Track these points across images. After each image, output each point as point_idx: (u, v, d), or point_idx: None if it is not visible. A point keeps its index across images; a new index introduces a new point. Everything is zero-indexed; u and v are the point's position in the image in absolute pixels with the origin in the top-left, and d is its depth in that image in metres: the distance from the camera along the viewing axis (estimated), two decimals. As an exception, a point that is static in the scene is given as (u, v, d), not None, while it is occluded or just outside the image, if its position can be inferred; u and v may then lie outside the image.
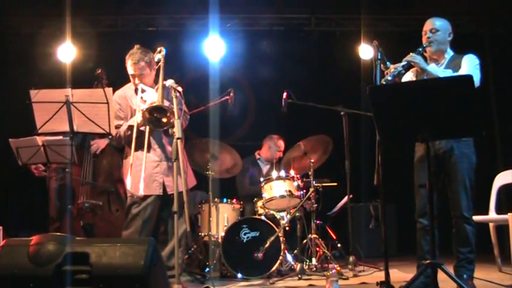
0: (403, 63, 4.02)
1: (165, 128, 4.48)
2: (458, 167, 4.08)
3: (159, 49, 4.72)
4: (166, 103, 4.44)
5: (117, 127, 4.70)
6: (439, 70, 4.09)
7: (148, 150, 4.62)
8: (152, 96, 4.48)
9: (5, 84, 7.35)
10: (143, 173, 4.49)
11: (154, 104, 4.36)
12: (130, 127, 4.59)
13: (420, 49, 4.13)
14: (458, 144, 4.08)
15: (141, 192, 4.53)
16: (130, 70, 4.73)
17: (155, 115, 4.34)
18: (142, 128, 4.56)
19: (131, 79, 4.77)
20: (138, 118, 4.53)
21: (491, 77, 8.12)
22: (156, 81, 4.68)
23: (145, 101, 4.47)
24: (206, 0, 6.99)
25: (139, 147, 4.58)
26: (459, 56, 4.21)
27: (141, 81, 4.65)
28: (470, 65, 4.09)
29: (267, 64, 8.06)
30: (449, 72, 4.04)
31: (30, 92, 4.22)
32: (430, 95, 3.45)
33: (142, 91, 4.56)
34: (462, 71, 4.03)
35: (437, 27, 4.21)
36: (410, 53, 4.07)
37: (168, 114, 4.30)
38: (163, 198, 4.69)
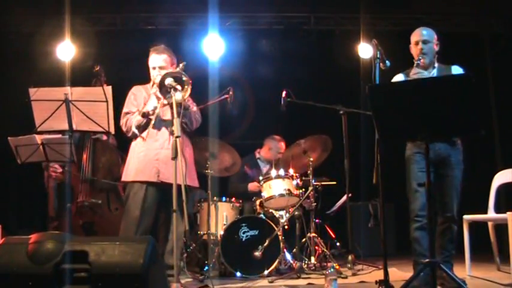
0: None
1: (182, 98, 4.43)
2: (454, 173, 4.24)
3: (181, 65, 4.68)
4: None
5: (128, 113, 4.78)
6: None
7: (150, 138, 4.68)
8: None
9: (4, 83, 7.35)
10: (141, 159, 4.63)
11: (169, 72, 4.42)
12: (145, 114, 4.62)
13: (418, 62, 4.22)
14: (454, 152, 4.24)
15: (138, 178, 4.62)
16: (152, 62, 4.79)
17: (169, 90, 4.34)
18: (151, 117, 4.60)
19: (151, 73, 4.81)
20: (149, 106, 4.62)
21: (490, 76, 8.13)
22: None
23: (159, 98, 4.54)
24: (205, -1, 7.00)
25: (144, 134, 4.67)
26: (447, 68, 4.32)
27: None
28: None
29: (266, 63, 8.05)
30: None
31: (29, 90, 4.22)
32: (430, 94, 3.46)
33: (159, 74, 4.60)
34: None
35: (428, 39, 4.31)
36: (419, 71, 4.18)
37: (186, 87, 4.35)
38: (161, 189, 4.66)
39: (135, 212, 4.62)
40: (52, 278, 2.68)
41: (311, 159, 5.79)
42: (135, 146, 4.78)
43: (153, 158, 4.67)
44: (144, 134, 4.68)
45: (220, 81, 6.92)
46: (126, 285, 2.67)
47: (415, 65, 4.23)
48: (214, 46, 7.58)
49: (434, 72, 4.32)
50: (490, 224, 5.27)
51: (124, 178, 4.80)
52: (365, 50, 7.36)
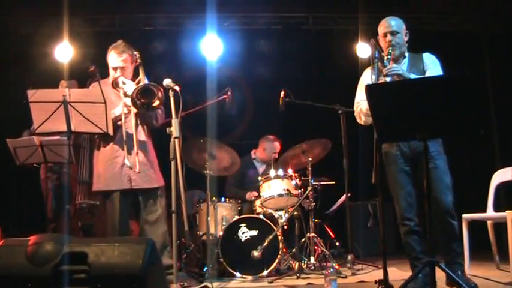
0: (388, 78, 3.91)
1: (157, 109, 4.45)
2: (436, 164, 4.03)
3: (136, 53, 4.65)
4: None
5: None
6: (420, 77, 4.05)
7: (117, 144, 4.59)
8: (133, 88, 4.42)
9: (3, 84, 7.35)
10: (111, 166, 4.56)
11: (141, 84, 4.35)
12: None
13: (389, 56, 4.05)
14: (431, 143, 3.99)
15: (107, 188, 4.56)
16: (113, 62, 4.67)
17: (142, 100, 4.33)
18: (119, 123, 4.54)
19: (111, 72, 4.70)
20: (116, 111, 4.52)
21: (489, 75, 8.14)
22: (133, 80, 4.63)
23: (126, 93, 4.46)
24: (204, -1, 7.00)
25: (110, 141, 4.59)
26: (417, 56, 4.20)
27: (122, 74, 4.62)
28: (437, 66, 4.11)
29: (264, 63, 8.06)
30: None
31: (28, 92, 4.22)
32: (428, 93, 3.45)
33: (123, 83, 4.53)
34: (433, 73, 4.04)
35: (396, 29, 4.15)
36: (391, 66, 3.96)
37: (159, 95, 4.28)
38: (133, 196, 4.63)
39: (116, 223, 4.55)
40: (51, 280, 2.68)
41: (310, 159, 5.79)
42: (100, 154, 4.66)
43: (124, 165, 4.53)
44: (109, 144, 4.61)
45: (219, 81, 6.92)
46: (126, 286, 2.67)
47: (385, 58, 4.04)
48: (212, 46, 7.58)
49: (405, 62, 4.19)
50: (489, 222, 5.27)
51: (97, 187, 4.66)
52: (363, 50, 7.37)
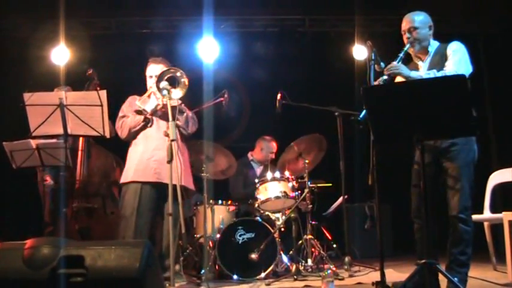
0: (385, 77, 3.87)
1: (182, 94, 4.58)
2: (456, 163, 3.88)
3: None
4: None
5: (124, 116, 4.91)
6: (422, 74, 3.98)
7: (147, 139, 4.83)
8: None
9: (-1, 87, 7.34)
10: (138, 160, 4.79)
11: (166, 70, 4.57)
12: (140, 111, 4.77)
13: (402, 54, 3.98)
14: (458, 139, 3.87)
15: (134, 178, 4.74)
16: (150, 71, 4.96)
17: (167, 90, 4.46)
18: (148, 117, 4.78)
19: (148, 81, 4.95)
20: (151, 104, 4.77)
21: (485, 76, 8.16)
22: None
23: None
24: (200, 2, 6.99)
25: (140, 139, 4.84)
26: (444, 46, 4.10)
27: None
28: (456, 55, 3.99)
29: (261, 65, 8.06)
30: (433, 72, 3.92)
31: (24, 95, 4.21)
32: (424, 95, 3.45)
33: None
34: (448, 64, 3.94)
35: (416, 25, 4.06)
36: (392, 63, 3.91)
37: (182, 80, 4.51)
38: (158, 189, 4.71)
39: (129, 212, 4.70)
40: (48, 283, 2.67)
41: (306, 161, 5.79)
42: (132, 150, 4.91)
43: (151, 158, 4.78)
44: (140, 136, 4.84)
45: (215, 84, 6.92)
46: (123, 289, 2.67)
47: (398, 58, 3.94)
48: (209, 49, 7.59)
49: (430, 55, 4.09)
50: (485, 224, 5.28)
51: (122, 180, 4.88)
52: (360, 52, 7.38)
